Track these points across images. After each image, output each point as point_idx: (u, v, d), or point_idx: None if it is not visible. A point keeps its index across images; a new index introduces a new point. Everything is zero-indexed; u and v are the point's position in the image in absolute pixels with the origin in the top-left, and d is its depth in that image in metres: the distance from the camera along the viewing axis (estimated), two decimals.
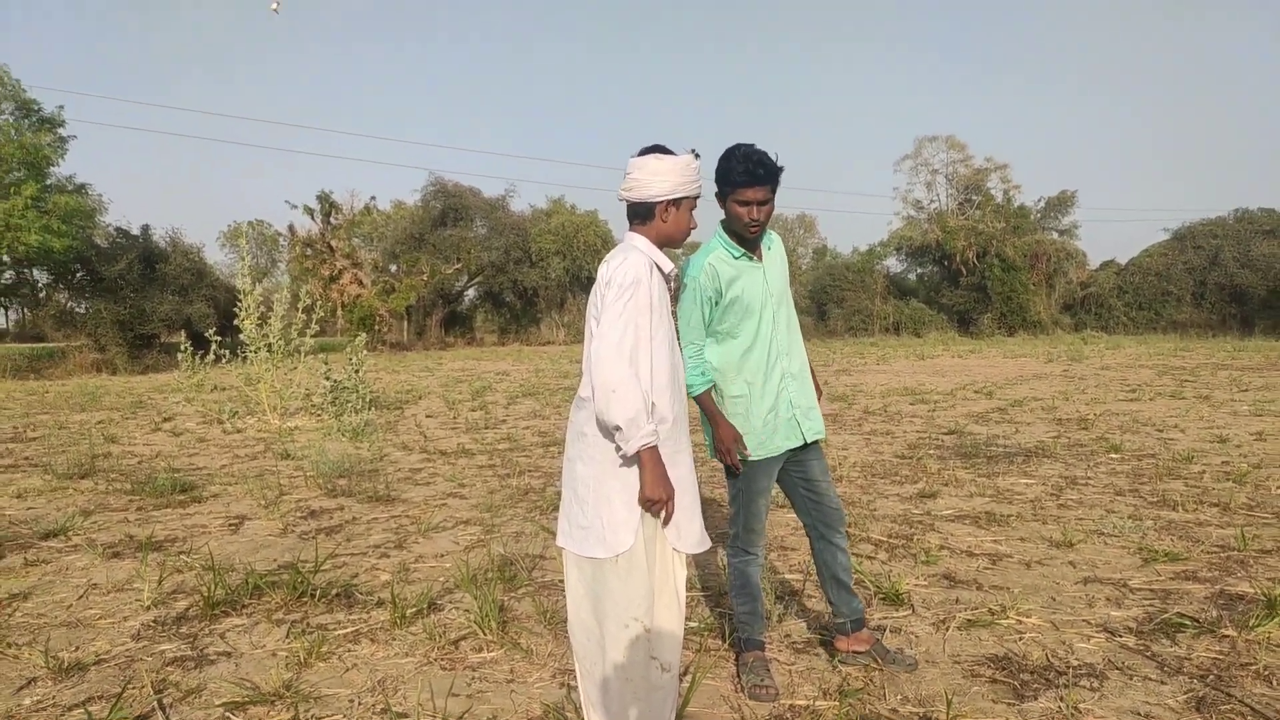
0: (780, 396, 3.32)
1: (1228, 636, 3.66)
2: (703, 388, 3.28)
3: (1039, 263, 40.85)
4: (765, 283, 3.30)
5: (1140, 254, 42.26)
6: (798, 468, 3.43)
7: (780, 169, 3.16)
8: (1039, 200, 43.85)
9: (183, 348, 13.60)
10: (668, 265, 2.72)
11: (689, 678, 3.27)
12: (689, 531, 2.70)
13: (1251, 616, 3.79)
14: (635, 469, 2.54)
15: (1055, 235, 43.20)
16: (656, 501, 2.52)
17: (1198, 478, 6.99)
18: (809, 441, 3.36)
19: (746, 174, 3.10)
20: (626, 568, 2.55)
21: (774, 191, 3.17)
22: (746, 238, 3.23)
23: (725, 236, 3.30)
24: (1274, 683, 3.23)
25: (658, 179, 2.64)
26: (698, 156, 2.72)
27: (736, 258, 3.28)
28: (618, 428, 2.44)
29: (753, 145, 3.16)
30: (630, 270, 2.53)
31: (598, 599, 2.57)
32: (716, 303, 3.27)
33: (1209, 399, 12.58)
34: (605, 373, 2.43)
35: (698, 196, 2.77)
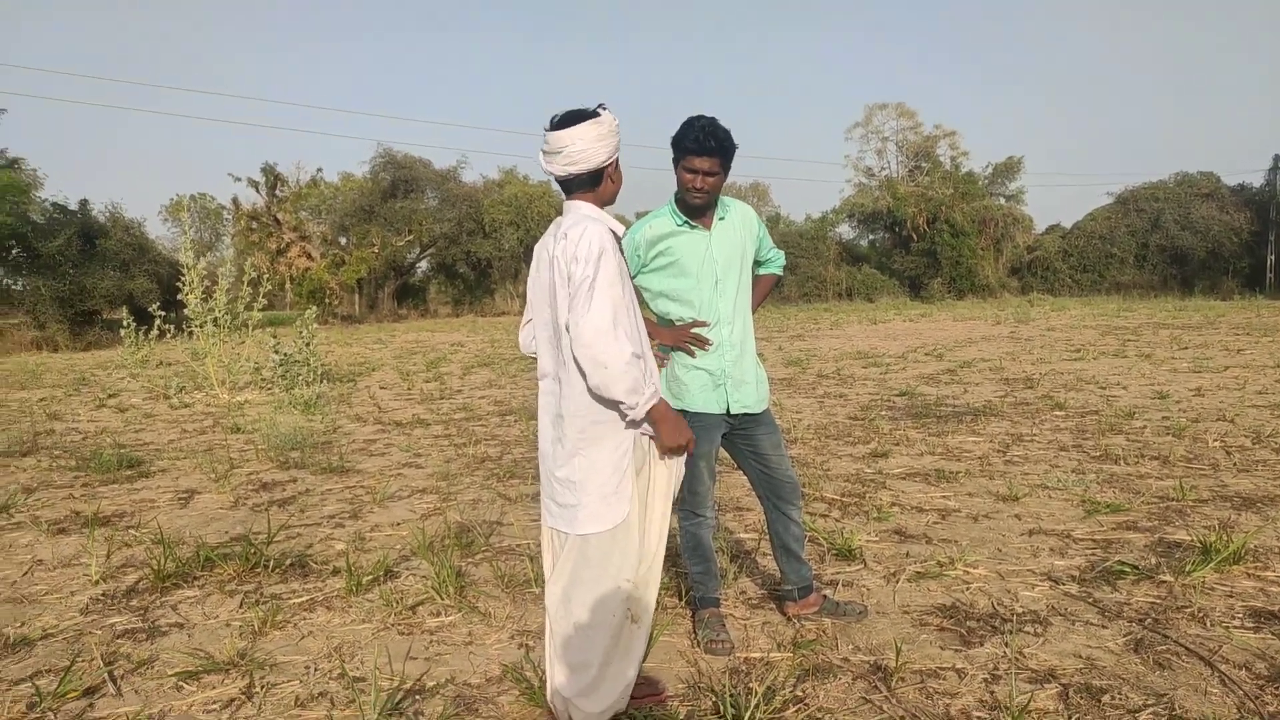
0: (717, 363, 3.35)
1: (1165, 582, 3.80)
2: None
3: (987, 228, 41.48)
4: (709, 250, 3.33)
5: (1084, 218, 43.09)
6: (746, 441, 3.46)
7: (734, 146, 3.22)
8: (986, 166, 44.48)
9: (125, 323, 13.29)
10: (620, 229, 2.70)
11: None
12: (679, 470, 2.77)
13: (1188, 562, 3.93)
14: (620, 437, 2.55)
15: (1002, 201, 43.87)
16: (677, 449, 2.63)
17: (1139, 432, 7.20)
18: (733, 413, 3.39)
19: (697, 143, 3.15)
20: (623, 536, 2.55)
21: (725, 166, 3.22)
22: (690, 205, 3.27)
23: (674, 204, 3.35)
24: (1207, 623, 3.36)
25: (602, 144, 2.57)
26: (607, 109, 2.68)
27: (678, 225, 3.32)
28: (620, 401, 2.46)
29: (714, 119, 3.20)
30: (595, 241, 2.46)
31: (583, 568, 2.55)
32: (644, 262, 3.36)
33: (1150, 357, 12.93)
34: (595, 351, 2.40)
35: None
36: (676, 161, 3.24)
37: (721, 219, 3.37)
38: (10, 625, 3.68)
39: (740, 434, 3.45)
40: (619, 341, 2.42)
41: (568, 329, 2.50)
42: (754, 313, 3.56)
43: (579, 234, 2.49)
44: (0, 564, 4.57)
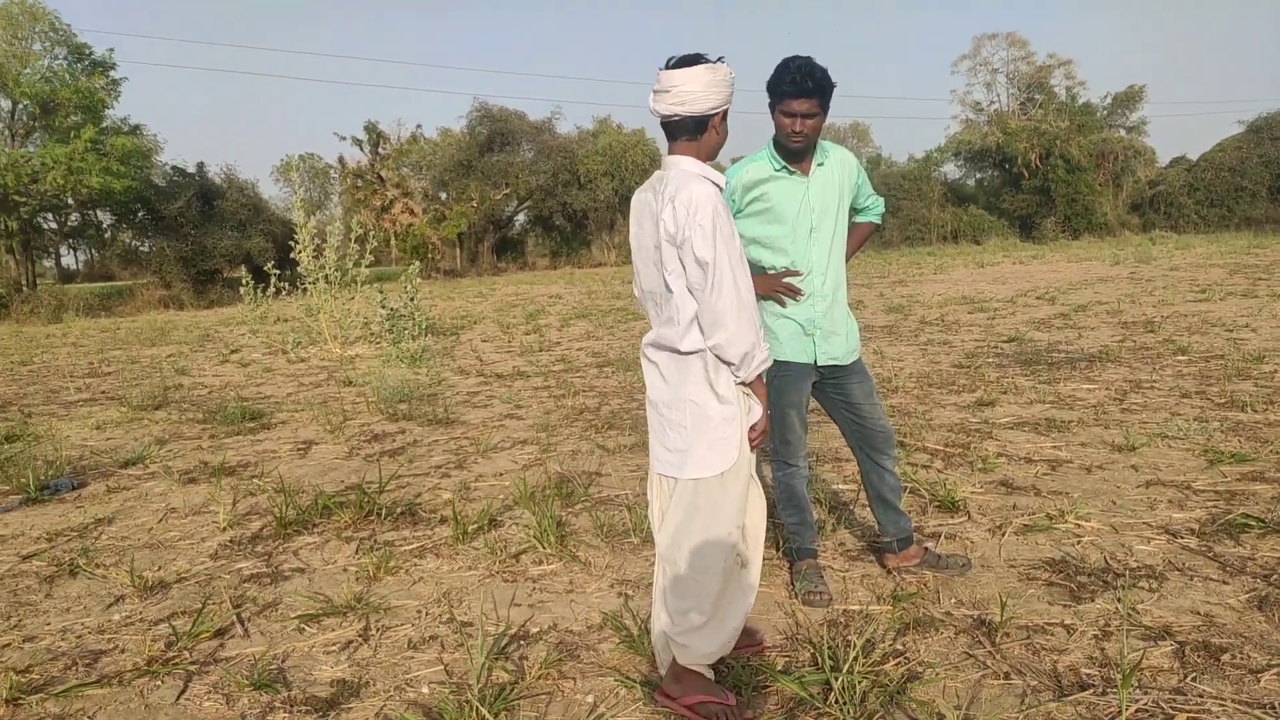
0: (805, 313, 3.29)
1: None
2: None
3: (1105, 162, 39.34)
4: (806, 197, 3.25)
5: (1213, 148, 40.32)
6: (837, 390, 3.41)
7: (832, 84, 3.12)
8: (1105, 96, 42.08)
9: (244, 282, 13.91)
10: (722, 180, 2.65)
11: None
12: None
13: None
14: (732, 386, 2.56)
15: (1122, 133, 41.47)
16: (766, 432, 2.65)
17: (1269, 377, 6.79)
18: (820, 365, 3.33)
19: (794, 85, 3.07)
20: (732, 482, 2.57)
21: (823, 107, 3.13)
22: (789, 149, 3.19)
23: (772, 148, 3.27)
24: None
25: (714, 90, 2.53)
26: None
27: (776, 170, 3.25)
28: (732, 362, 2.50)
29: (809, 58, 3.11)
30: (706, 207, 2.45)
31: (694, 515, 2.58)
32: (739, 207, 3.30)
33: None
34: (720, 310, 2.45)
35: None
36: (773, 107, 3.17)
37: (820, 164, 3.28)
38: (149, 569, 3.96)
39: (831, 383, 3.40)
40: (737, 304, 2.45)
41: (670, 288, 2.52)
42: (847, 261, 3.48)
43: (688, 198, 2.46)
44: (138, 512, 4.91)
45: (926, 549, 3.57)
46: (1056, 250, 30.39)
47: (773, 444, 3.45)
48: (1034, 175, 39.75)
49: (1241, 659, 2.69)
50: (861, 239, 3.62)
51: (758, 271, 3.36)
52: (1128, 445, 5.07)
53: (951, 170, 45.55)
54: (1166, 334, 9.43)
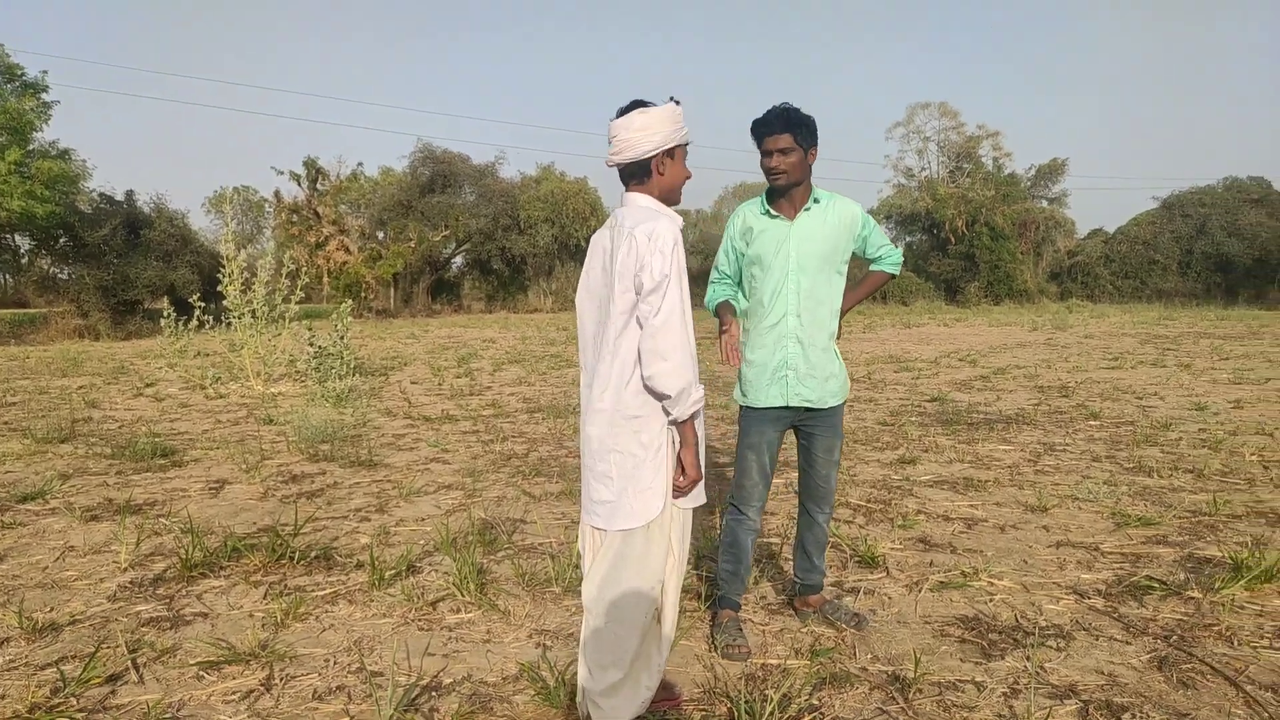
0: (777, 355, 3.35)
1: (1193, 598, 3.72)
2: (711, 305, 3.52)
3: (1027, 231, 40.88)
4: (788, 243, 3.33)
5: (1128, 222, 42.35)
6: (804, 436, 3.51)
7: (804, 119, 3.25)
8: (1030, 168, 43.85)
9: (166, 314, 13.50)
10: (679, 222, 2.67)
11: None
12: (697, 491, 2.69)
13: (1217, 579, 3.85)
14: (659, 438, 2.54)
15: (1045, 204, 43.23)
16: (697, 480, 2.57)
17: (1174, 444, 7.06)
18: (792, 405, 3.38)
19: (765, 124, 3.24)
20: (656, 534, 2.56)
21: (801, 142, 3.24)
22: (774, 188, 3.32)
23: (765, 194, 3.42)
24: (1235, 642, 3.29)
25: (647, 134, 2.56)
26: (678, 104, 2.66)
27: (761, 214, 3.38)
28: (667, 395, 2.46)
29: (784, 103, 3.28)
30: (668, 237, 2.47)
31: (620, 566, 2.56)
32: (740, 251, 3.46)
33: (1189, 367, 12.68)
34: (659, 342, 2.42)
35: (688, 144, 2.72)
36: (760, 153, 3.30)
37: (807, 210, 3.36)
38: (40, 610, 3.76)
39: (802, 429, 3.49)
40: (684, 340, 2.46)
41: (637, 322, 2.50)
42: (853, 307, 3.61)
43: (650, 230, 2.47)
44: (33, 549, 4.67)
45: (827, 601, 3.68)
46: (979, 314, 31.39)
47: (731, 486, 3.52)
48: (960, 241, 41.11)
49: (1141, 718, 2.75)
50: (872, 287, 3.69)
51: (742, 315, 3.46)
52: (1040, 506, 5.21)
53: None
54: (1080, 399, 9.77)
